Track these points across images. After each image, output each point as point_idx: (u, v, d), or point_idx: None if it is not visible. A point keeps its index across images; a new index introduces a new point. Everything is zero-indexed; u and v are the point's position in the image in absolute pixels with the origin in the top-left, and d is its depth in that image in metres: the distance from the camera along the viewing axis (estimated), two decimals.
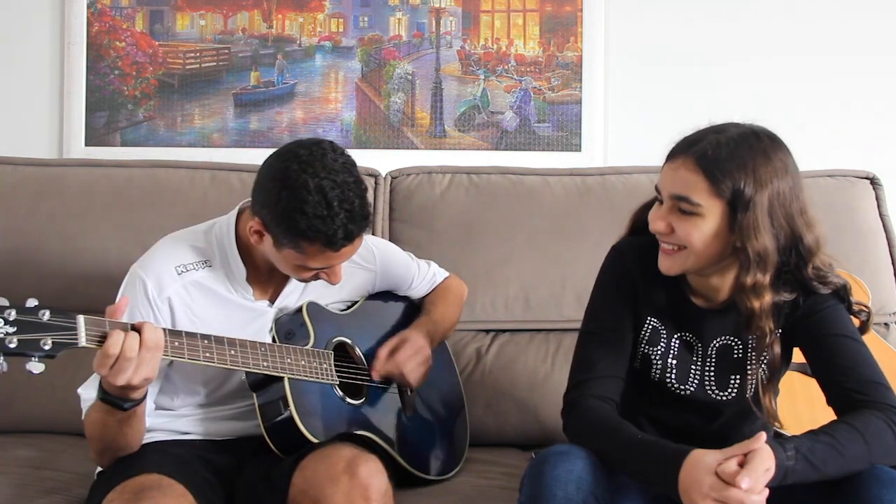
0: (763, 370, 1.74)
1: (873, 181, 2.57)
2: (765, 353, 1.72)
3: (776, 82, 2.89)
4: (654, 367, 1.77)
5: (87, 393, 1.76)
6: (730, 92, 2.87)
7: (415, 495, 1.94)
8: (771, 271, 1.62)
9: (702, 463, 1.49)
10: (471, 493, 1.99)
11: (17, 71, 2.85)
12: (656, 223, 1.67)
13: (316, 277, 1.83)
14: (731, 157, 1.61)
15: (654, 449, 1.58)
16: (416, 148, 2.88)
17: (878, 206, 2.55)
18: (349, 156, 1.78)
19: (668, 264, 1.70)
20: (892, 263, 2.51)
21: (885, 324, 2.48)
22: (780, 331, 1.72)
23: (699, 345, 1.77)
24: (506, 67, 2.90)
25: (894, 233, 2.53)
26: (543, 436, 2.21)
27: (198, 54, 2.87)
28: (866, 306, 1.75)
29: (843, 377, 1.64)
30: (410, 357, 1.96)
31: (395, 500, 1.75)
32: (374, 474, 1.69)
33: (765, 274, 1.61)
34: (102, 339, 1.53)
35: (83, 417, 1.76)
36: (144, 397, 1.67)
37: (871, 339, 2.31)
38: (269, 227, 1.75)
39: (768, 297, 1.63)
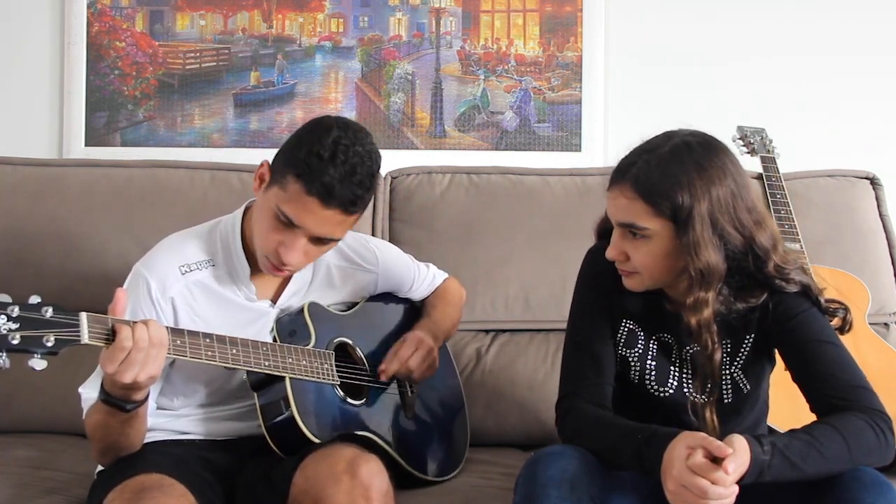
0: (738, 373, 1.74)
1: (873, 181, 2.57)
2: (739, 357, 1.73)
3: (776, 82, 2.90)
4: (633, 369, 1.77)
5: (89, 392, 1.76)
6: (730, 92, 2.88)
7: (415, 495, 1.94)
8: (716, 286, 1.63)
9: (676, 448, 1.50)
10: (471, 493, 1.98)
11: (17, 71, 2.85)
12: (610, 252, 1.70)
13: (276, 255, 1.77)
14: (664, 176, 1.61)
15: (648, 434, 1.58)
16: (416, 148, 2.88)
17: (878, 206, 2.55)
18: (378, 153, 1.80)
19: (629, 284, 1.72)
20: (892, 263, 2.51)
21: (885, 324, 2.48)
22: (752, 335, 1.73)
23: (676, 346, 1.77)
24: (506, 67, 2.90)
25: (894, 233, 2.53)
26: (543, 436, 2.21)
27: (198, 54, 2.87)
28: (840, 303, 1.74)
29: (824, 384, 1.63)
30: (412, 352, 1.97)
31: (396, 500, 1.75)
32: (375, 474, 1.68)
33: (707, 291, 1.62)
34: (105, 336, 1.53)
35: (84, 417, 1.76)
36: (146, 398, 1.67)
37: (871, 339, 2.33)
38: (274, 164, 1.78)
39: (707, 313, 1.63)
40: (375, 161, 1.78)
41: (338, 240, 1.82)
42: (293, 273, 1.86)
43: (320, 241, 1.79)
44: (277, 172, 1.76)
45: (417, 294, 2.17)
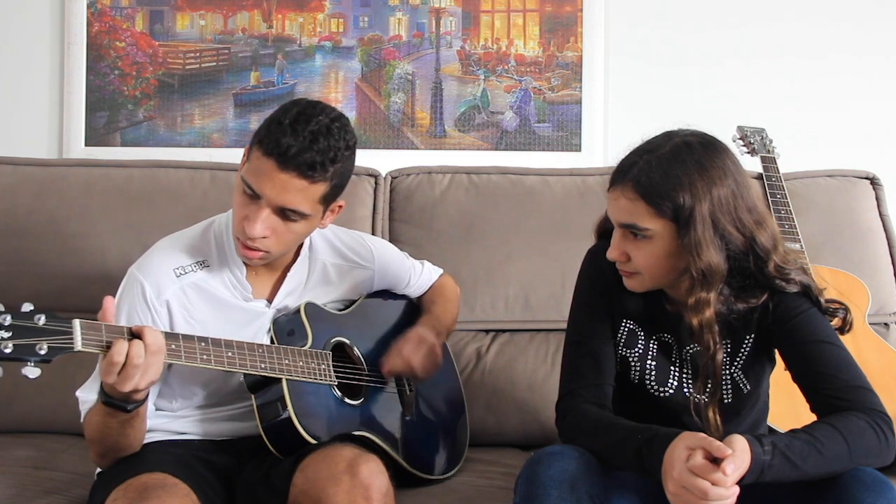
0: (738, 373, 1.74)
1: (873, 181, 2.57)
2: (739, 358, 1.74)
3: (776, 82, 2.90)
4: (633, 369, 1.78)
5: (87, 395, 1.76)
6: (729, 92, 2.88)
7: (414, 495, 1.94)
8: (717, 286, 1.63)
9: (676, 449, 1.50)
10: (470, 493, 1.99)
11: (17, 71, 2.86)
12: (611, 252, 1.70)
13: (242, 232, 1.75)
14: (665, 176, 1.61)
15: (648, 435, 1.58)
16: (416, 148, 2.88)
17: (878, 206, 2.55)
18: (352, 134, 1.77)
19: (630, 284, 1.72)
20: (892, 263, 2.50)
21: (885, 324, 2.48)
22: (752, 335, 1.73)
23: (676, 347, 1.77)
24: (506, 67, 2.90)
25: (894, 233, 2.53)
26: (543, 436, 2.21)
27: (198, 54, 2.88)
28: (840, 303, 1.74)
29: (824, 384, 1.63)
30: (414, 349, 1.97)
31: (396, 500, 1.75)
32: (375, 474, 1.68)
33: (709, 291, 1.62)
34: (100, 344, 1.53)
35: (82, 420, 1.76)
36: (146, 398, 1.67)
37: (871, 339, 2.33)
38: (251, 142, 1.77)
39: (709, 313, 1.63)
40: (343, 136, 1.74)
41: (305, 214, 1.75)
42: (265, 253, 1.78)
43: (285, 214, 1.74)
44: (250, 148, 1.75)
45: (414, 291, 2.17)
